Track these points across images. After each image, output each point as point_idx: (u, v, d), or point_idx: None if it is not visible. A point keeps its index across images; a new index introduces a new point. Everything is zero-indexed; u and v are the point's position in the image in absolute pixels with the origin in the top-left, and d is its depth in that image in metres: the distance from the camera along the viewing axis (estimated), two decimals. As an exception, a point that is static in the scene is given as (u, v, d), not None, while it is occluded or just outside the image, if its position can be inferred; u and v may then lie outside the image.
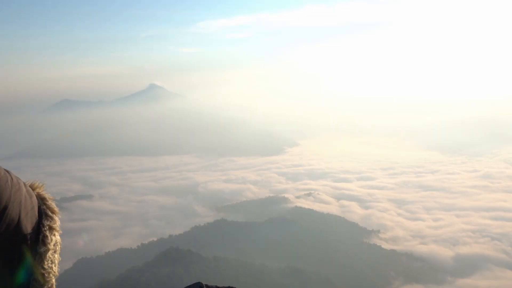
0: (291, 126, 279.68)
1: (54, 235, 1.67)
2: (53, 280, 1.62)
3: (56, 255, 1.66)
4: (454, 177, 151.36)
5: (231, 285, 2.09)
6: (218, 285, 2.05)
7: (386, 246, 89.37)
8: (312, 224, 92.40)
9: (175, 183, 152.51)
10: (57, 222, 1.71)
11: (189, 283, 2.02)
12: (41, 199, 1.69)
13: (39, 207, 1.64)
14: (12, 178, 1.55)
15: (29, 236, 1.55)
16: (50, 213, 1.68)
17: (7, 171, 1.59)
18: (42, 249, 1.60)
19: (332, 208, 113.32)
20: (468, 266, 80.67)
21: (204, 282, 2.02)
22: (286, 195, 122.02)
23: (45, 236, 1.62)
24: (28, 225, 1.54)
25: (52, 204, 1.74)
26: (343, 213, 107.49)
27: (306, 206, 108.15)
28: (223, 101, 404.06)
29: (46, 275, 1.59)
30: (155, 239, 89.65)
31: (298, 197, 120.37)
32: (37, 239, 1.59)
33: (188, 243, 78.04)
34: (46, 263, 1.59)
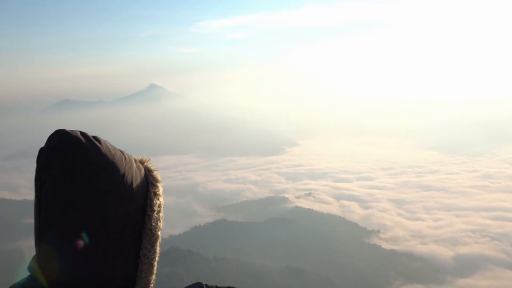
0: (291, 126, 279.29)
1: (158, 199, 2.03)
2: (159, 233, 1.98)
3: (160, 214, 2.03)
4: (454, 177, 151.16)
5: (231, 285, 2.13)
6: (218, 285, 2.10)
7: (386, 246, 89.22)
8: (312, 224, 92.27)
9: (175, 183, 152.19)
10: (160, 189, 2.08)
11: (189, 283, 2.07)
12: (148, 171, 2.05)
13: (146, 177, 2.02)
14: (125, 157, 1.95)
15: (139, 201, 1.93)
16: (155, 182, 2.04)
17: (121, 151, 2.00)
18: (149, 211, 1.96)
19: (332, 208, 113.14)
20: (468, 266, 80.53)
21: (204, 282, 2.07)
22: (286, 195, 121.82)
23: (151, 200, 1.98)
24: (138, 192, 1.92)
25: (157, 175, 2.09)
26: (343, 213, 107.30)
27: (306, 206, 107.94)
28: (223, 101, 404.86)
29: (153, 230, 1.95)
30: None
31: (298, 197, 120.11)
32: (145, 203, 1.96)
33: (188, 243, 77.91)
34: (152, 221, 1.95)
